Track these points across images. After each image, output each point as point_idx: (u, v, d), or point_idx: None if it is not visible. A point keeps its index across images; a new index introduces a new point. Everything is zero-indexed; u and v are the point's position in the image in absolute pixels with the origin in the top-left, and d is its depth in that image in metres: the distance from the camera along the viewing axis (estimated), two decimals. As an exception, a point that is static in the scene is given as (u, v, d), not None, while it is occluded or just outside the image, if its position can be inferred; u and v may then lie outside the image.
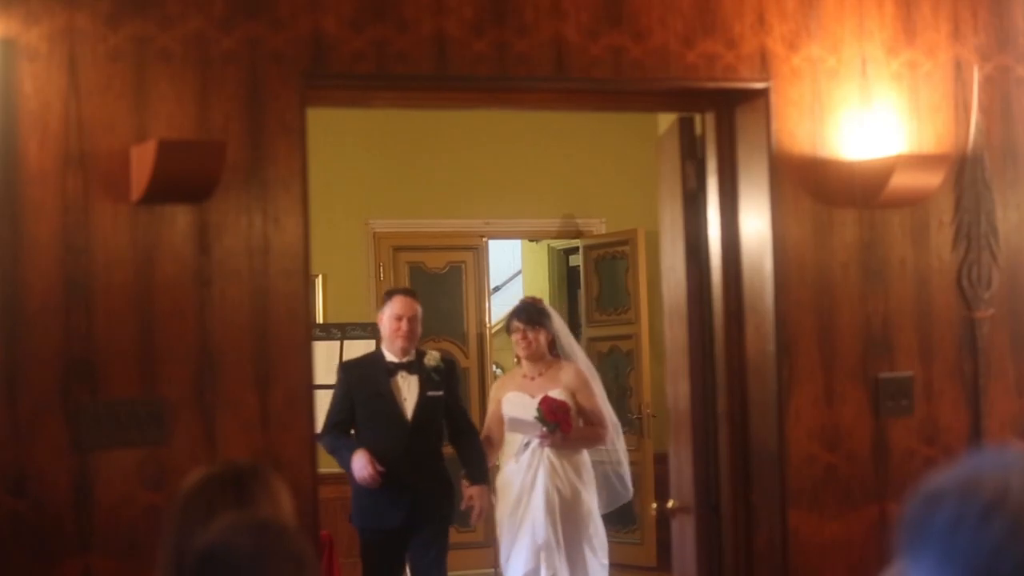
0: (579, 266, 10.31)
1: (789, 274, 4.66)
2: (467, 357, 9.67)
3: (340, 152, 9.00)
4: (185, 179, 3.96)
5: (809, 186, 4.69)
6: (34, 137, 3.99)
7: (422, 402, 6.44)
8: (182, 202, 4.09)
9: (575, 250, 10.58)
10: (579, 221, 10.14)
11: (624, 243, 9.84)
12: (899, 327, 4.79)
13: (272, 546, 2.22)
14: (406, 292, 6.72)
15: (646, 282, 9.54)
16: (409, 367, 6.47)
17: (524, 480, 6.70)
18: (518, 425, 6.71)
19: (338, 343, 8.47)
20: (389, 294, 6.66)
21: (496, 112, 8.05)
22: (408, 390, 6.45)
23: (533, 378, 6.80)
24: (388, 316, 6.45)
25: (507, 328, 6.89)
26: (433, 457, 6.51)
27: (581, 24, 4.47)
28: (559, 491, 6.64)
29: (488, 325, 9.96)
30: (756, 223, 4.71)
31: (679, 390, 5.08)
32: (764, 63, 4.66)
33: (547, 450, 6.67)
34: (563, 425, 6.63)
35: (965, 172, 4.87)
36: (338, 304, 9.14)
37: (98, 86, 4.05)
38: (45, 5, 4.01)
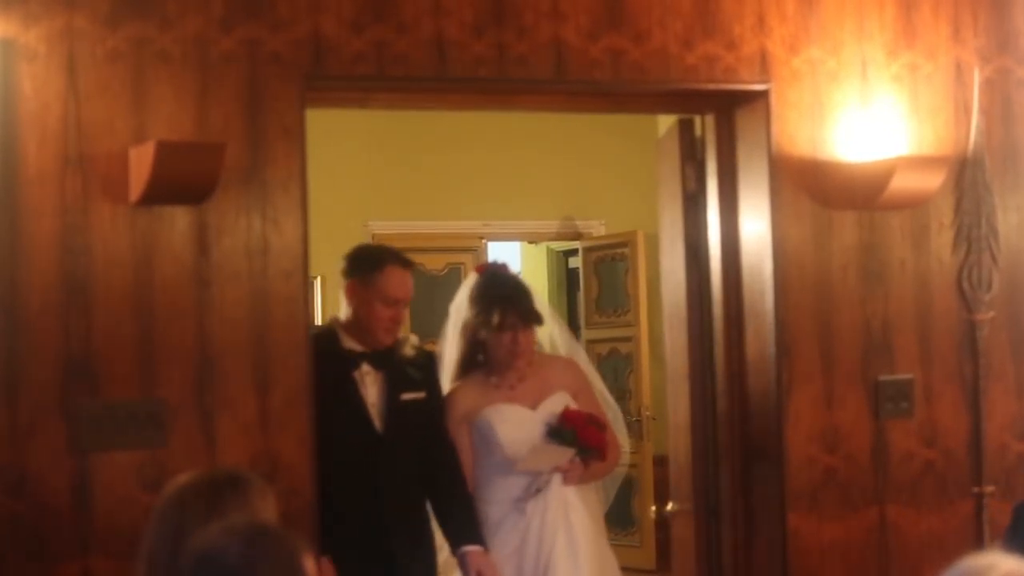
0: (578, 268, 10.31)
1: (789, 276, 4.65)
2: (466, 359, 9.66)
3: (339, 153, 9.00)
4: (184, 180, 3.95)
5: (809, 188, 4.68)
6: (33, 138, 3.98)
7: (393, 409, 4.41)
8: (181, 203, 4.08)
9: (574, 252, 10.59)
10: (578, 223, 10.14)
11: (624, 245, 9.84)
12: (899, 329, 4.78)
13: (262, 552, 2.21)
14: (404, 262, 4.51)
15: (646, 284, 9.54)
16: (375, 358, 4.45)
17: (540, 543, 4.59)
18: (527, 457, 4.60)
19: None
20: (378, 260, 4.45)
21: (495, 114, 8.05)
22: (372, 392, 4.44)
23: (513, 385, 4.71)
24: (374, 297, 4.41)
25: (480, 318, 4.72)
26: (417, 502, 4.49)
27: (581, 26, 4.47)
28: (595, 553, 4.70)
29: (487, 327, 9.95)
30: (756, 225, 4.71)
31: (678, 392, 5.08)
32: (764, 65, 4.65)
33: (568, 491, 4.66)
34: (601, 449, 4.63)
35: (965, 174, 4.86)
36: (337, 306, 9.12)
37: (97, 87, 4.04)
38: (44, 6, 4.00)
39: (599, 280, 10.06)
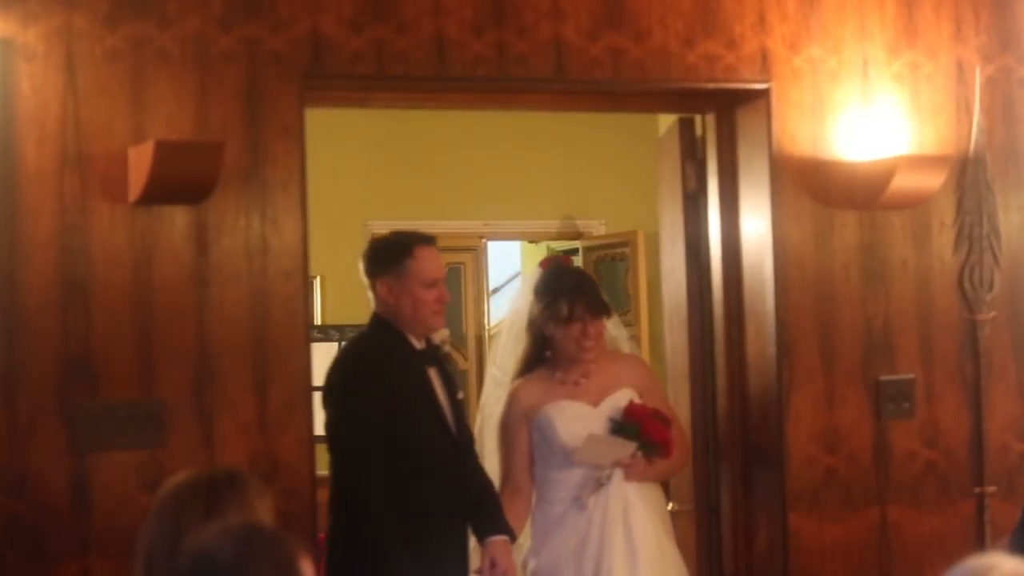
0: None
1: (790, 276, 4.65)
2: (466, 360, 9.66)
3: (339, 153, 8.98)
4: (183, 180, 3.94)
5: (810, 187, 4.67)
6: (31, 137, 3.97)
7: (454, 409, 4.28)
8: (180, 203, 4.07)
9: (575, 251, 10.57)
10: (579, 222, 10.12)
11: (624, 244, 9.82)
12: (900, 329, 4.77)
13: (259, 553, 2.20)
14: (427, 239, 4.41)
15: (646, 284, 9.53)
16: (427, 357, 4.28)
17: (600, 542, 4.36)
18: (587, 446, 4.38)
19: (336, 345, 8.45)
20: (404, 247, 4.29)
21: (495, 113, 8.04)
22: (439, 391, 4.25)
23: (577, 382, 4.50)
24: (414, 283, 4.19)
25: (548, 311, 4.50)
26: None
27: (581, 25, 4.46)
28: (658, 556, 4.41)
29: (487, 327, 9.95)
30: (757, 224, 4.70)
31: (678, 392, 5.07)
32: (765, 64, 4.64)
33: (630, 491, 4.41)
34: (666, 445, 4.43)
35: (967, 173, 4.85)
36: (336, 305, 9.12)
37: (96, 86, 4.03)
38: (43, 5, 3.99)
39: (599, 280, 10.03)
